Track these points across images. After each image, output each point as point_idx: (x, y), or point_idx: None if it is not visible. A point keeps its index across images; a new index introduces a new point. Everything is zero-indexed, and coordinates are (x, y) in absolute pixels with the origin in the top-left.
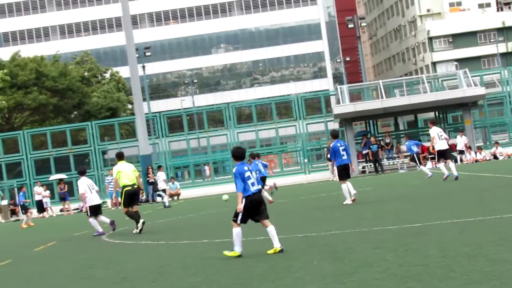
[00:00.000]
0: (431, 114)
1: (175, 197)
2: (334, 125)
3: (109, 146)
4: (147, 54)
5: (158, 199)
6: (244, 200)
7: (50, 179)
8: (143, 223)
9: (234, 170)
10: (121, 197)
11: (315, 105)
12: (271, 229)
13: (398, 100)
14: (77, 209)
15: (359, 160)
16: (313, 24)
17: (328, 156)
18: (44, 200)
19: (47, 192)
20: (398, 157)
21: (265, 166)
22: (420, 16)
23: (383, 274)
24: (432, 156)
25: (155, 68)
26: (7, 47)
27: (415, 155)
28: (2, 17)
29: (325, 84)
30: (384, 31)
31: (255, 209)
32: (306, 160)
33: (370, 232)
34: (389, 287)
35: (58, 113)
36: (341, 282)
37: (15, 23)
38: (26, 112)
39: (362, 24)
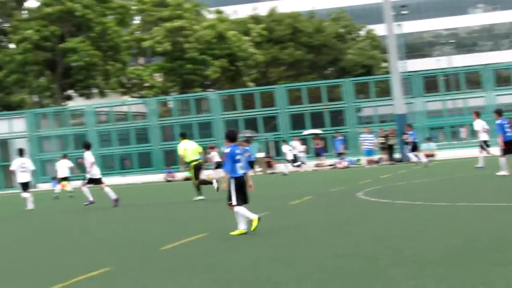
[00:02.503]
0: None
1: (429, 158)
2: None
3: (363, 104)
4: (403, 12)
5: (413, 158)
6: (233, 181)
7: (304, 134)
8: (217, 181)
9: (226, 151)
10: (190, 172)
11: None
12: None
13: None
14: (332, 165)
15: None
16: None
17: None
18: (299, 154)
19: (302, 147)
20: None
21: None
22: None
23: None
24: None
25: (410, 27)
26: (265, 2)
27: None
28: None
29: None
30: None
31: (241, 190)
32: None
33: None
34: None
35: (313, 69)
36: None
37: None
38: (282, 67)
39: None
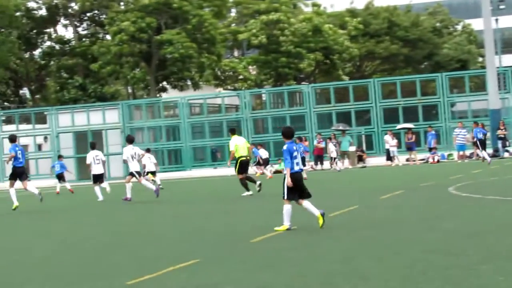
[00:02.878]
0: None
1: None
2: None
3: (457, 98)
4: (500, 7)
5: (505, 154)
6: (288, 177)
7: (396, 128)
8: (260, 184)
9: (284, 148)
10: (236, 166)
11: None
12: (305, 204)
13: None
14: (423, 159)
15: None
16: None
17: None
18: (391, 149)
19: (395, 141)
20: None
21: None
22: None
23: None
24: None
25: (508, 21)
26: None
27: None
28: None
29: None
30: None
31: (297, 186)
32: None
33: None
34: None
35: (408, 63)
36: None
37: None
38: (377, 61)
39: None
